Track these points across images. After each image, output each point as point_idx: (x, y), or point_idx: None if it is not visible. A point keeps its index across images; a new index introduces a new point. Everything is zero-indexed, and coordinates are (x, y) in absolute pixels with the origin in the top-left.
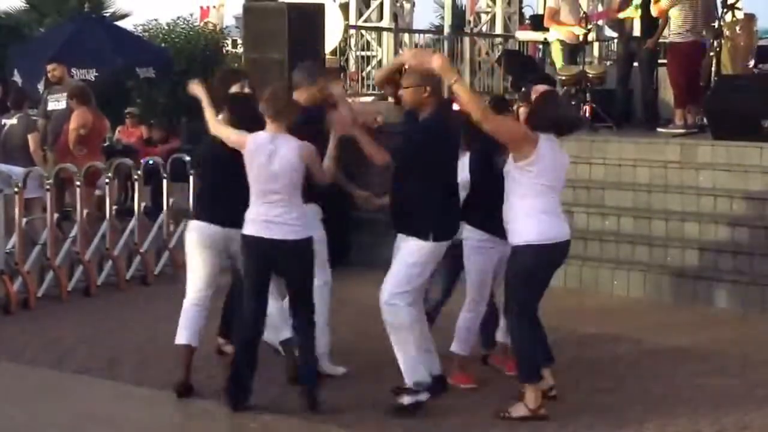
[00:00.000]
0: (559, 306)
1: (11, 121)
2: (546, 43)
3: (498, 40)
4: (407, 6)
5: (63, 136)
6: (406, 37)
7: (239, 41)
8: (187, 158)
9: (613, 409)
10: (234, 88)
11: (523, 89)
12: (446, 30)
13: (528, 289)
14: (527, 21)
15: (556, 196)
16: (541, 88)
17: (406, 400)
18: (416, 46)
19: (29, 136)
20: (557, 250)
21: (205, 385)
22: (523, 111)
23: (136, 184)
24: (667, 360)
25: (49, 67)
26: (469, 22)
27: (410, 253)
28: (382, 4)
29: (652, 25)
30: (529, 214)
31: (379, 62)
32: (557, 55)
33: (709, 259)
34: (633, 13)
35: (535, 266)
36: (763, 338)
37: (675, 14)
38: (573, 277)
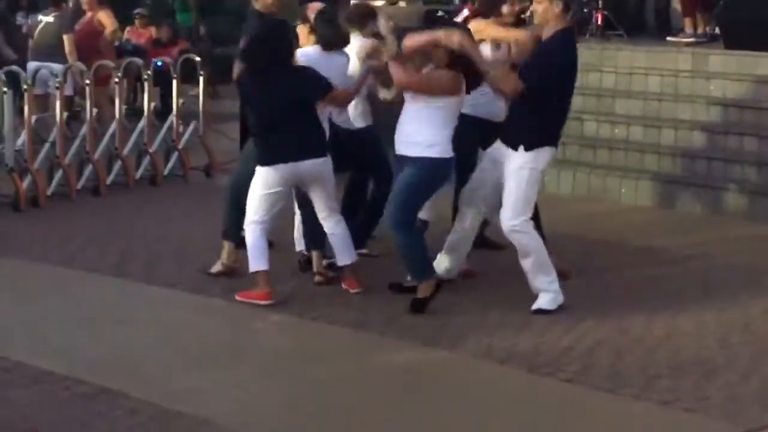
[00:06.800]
0: (567, 213)
1: (47, 19)
2: None
3: None
4: None
5: (77, 35)
6: None
7: None
8: (197, 59)
9: (620, 311)
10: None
11: None
12: None
13: None
14: None
15: None
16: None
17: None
18: None
19: (65, 36)
20: None
21: (216, 282)
22: None
23: (146, 85)
24: (674, 264)
25: None
26: None
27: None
28: None
29: None
30: None
31: None
32: None
33: (718, 169)
34: None
35: None
36: None
37: None
38: (581, 185)
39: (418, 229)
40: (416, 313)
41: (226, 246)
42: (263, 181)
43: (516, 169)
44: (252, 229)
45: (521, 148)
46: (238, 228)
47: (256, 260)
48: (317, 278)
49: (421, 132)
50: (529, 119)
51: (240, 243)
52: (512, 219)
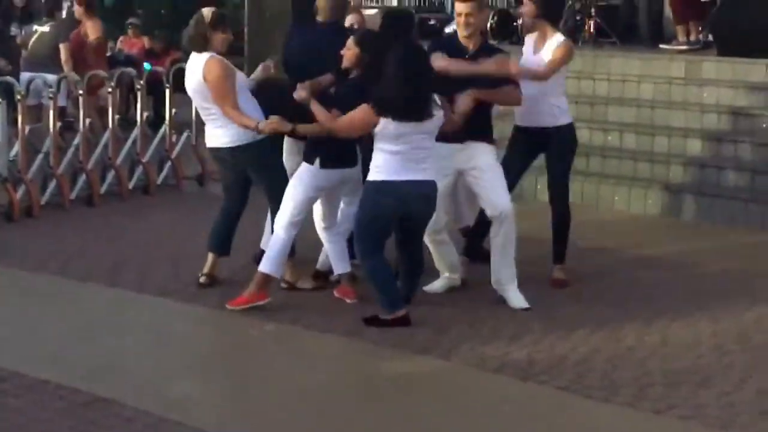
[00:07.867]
0: None
1: (42, 29)
2: None
3: None
4: None
5: (71, 44)
6: None
7: None
8: None
9: (613, 320)
10: None
11: None
12: None
13: None
14: None
15: None
16: None
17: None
18: None
19: (61, 45)
20: None
21: (209, 291)
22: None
23: (139, 95)
24: (667, 273)
25: None
26: None
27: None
28: None
29: None
30: None
31: None
32: None
33: (711, 176)
34: None
35: None
36: (764, 254)
37: None
38: (575, 192)
39: (385, 261)
40: (368, 326)
41: (210, 257)
42: (313, 184)
43: (492, 160)
44: (288, 230)
45: (493, 141)
46: (222, 241)
47: (275, 265)
48: (283, 284)
49: None
50: (489, 117)
51: (223, 254)
52: (509, 201)
